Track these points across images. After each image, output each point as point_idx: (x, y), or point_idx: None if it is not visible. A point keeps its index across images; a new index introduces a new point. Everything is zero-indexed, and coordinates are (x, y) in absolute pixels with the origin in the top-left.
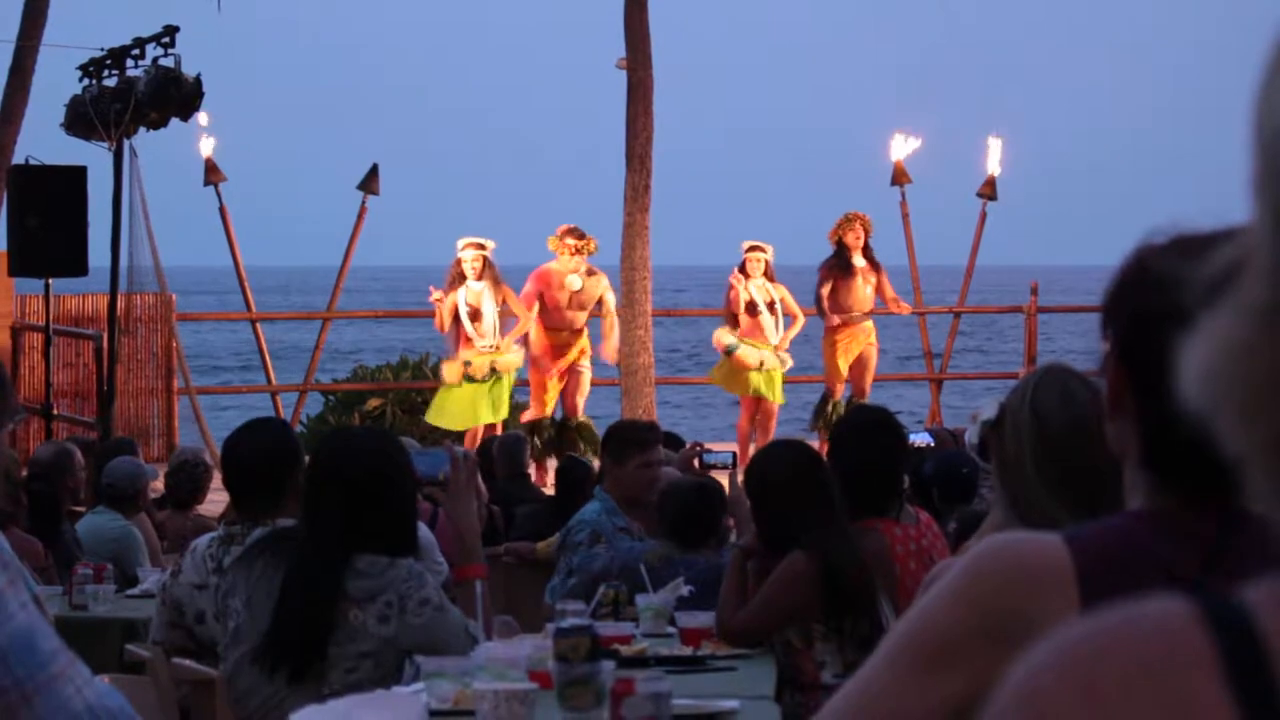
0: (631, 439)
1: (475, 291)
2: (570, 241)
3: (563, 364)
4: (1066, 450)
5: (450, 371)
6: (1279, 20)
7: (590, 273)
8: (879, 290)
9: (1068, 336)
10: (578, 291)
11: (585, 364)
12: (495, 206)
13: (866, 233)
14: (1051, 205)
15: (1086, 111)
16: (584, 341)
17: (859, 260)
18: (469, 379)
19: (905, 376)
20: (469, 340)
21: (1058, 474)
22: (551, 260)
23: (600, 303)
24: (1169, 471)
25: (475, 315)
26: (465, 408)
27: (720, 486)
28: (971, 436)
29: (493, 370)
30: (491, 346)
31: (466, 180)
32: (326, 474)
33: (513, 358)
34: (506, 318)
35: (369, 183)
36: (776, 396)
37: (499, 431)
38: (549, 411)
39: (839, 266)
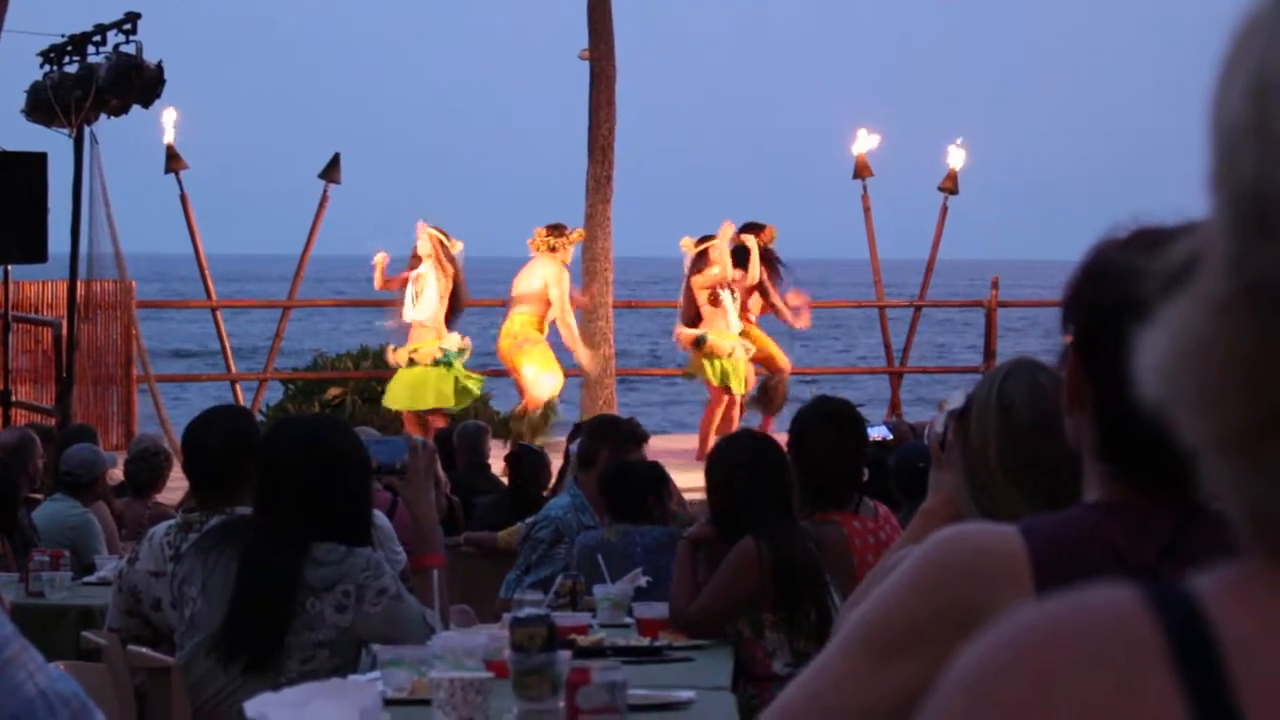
0: (629, 435)
1: (418, 272)
2: (550, 239)
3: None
4: (1031, 443)
5: (399, 356)
6: (1235, 17)
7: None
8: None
9: (1018, 335)
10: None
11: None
12: (456, 196)
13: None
14: (1013, 200)
15: (1049, 107)
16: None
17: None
18: (413, 362)
19: (865, 370)
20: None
21: (1021, 466)
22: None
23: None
24: (1126, 464)
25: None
26: (395, 389)
27: (653, 465)
28: (938, 425)
29: (410, 362)
30: (410, 324)
31: (429, 170)
32: (275, 463)
33: (430, 350)
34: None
35: (331, 171)
36: (740, 386)
37: (430, 421)
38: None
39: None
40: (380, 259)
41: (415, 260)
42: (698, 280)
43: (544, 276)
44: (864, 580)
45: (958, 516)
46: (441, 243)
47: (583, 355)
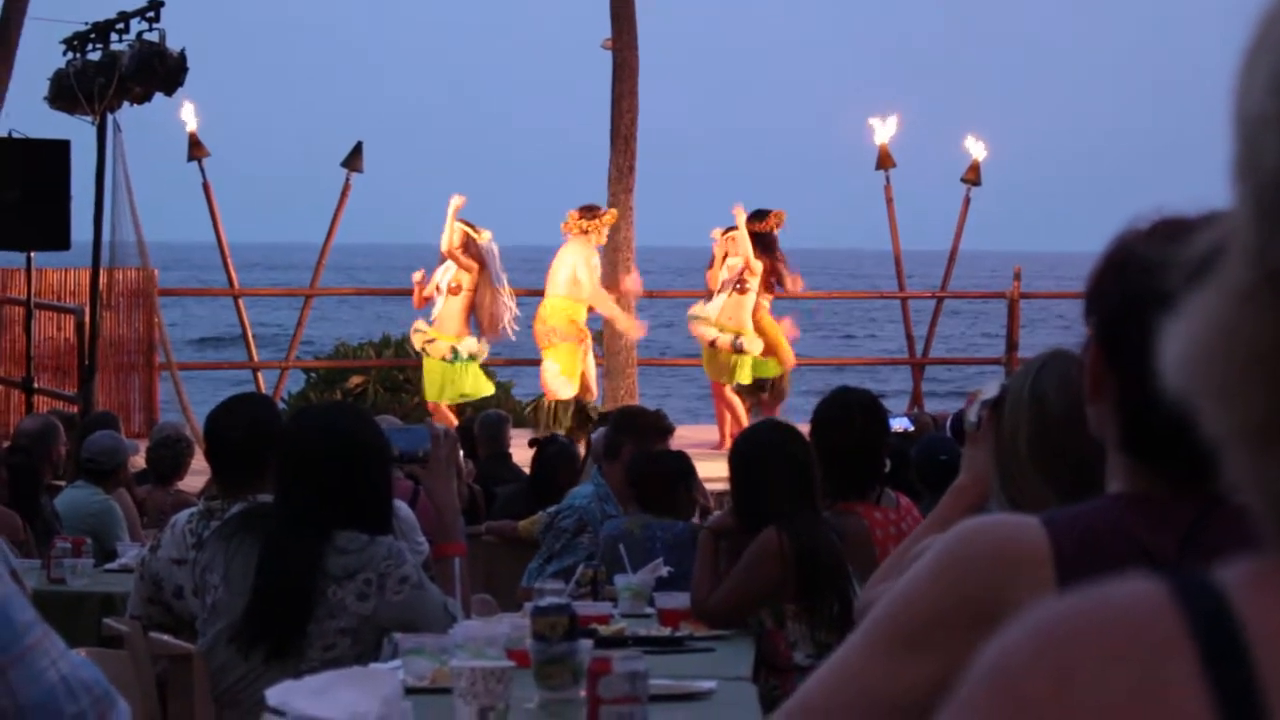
0: (653, 428)
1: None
2: (582, 222)
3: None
4: (1061, 436)
5: (415, 340)
6: (1256, 8)
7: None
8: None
9: (1035, 327)
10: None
11: (588, 344)
12: (479, 186)
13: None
14: (1037, 192)
15: (1073, 98)
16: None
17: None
18: (424, 353)
19: (887, 361)
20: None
21: (1050, 459)
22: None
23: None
24: (1147, 455)
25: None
26: (435, 380)
27: (680, 455)
28: (972, 415)
29: (454, 354)
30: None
31: (451, 159)
32: (295, 452)
33: (439, 346)
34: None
35: (353, 160)
36: (726, 377)
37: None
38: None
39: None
40: (418, 277)
41: (444, 257)
42: (711, 274)
43: (573, 258)
44: (886, 561)
45: (988, 495)
46: (467, 235)
47: (623, 323)
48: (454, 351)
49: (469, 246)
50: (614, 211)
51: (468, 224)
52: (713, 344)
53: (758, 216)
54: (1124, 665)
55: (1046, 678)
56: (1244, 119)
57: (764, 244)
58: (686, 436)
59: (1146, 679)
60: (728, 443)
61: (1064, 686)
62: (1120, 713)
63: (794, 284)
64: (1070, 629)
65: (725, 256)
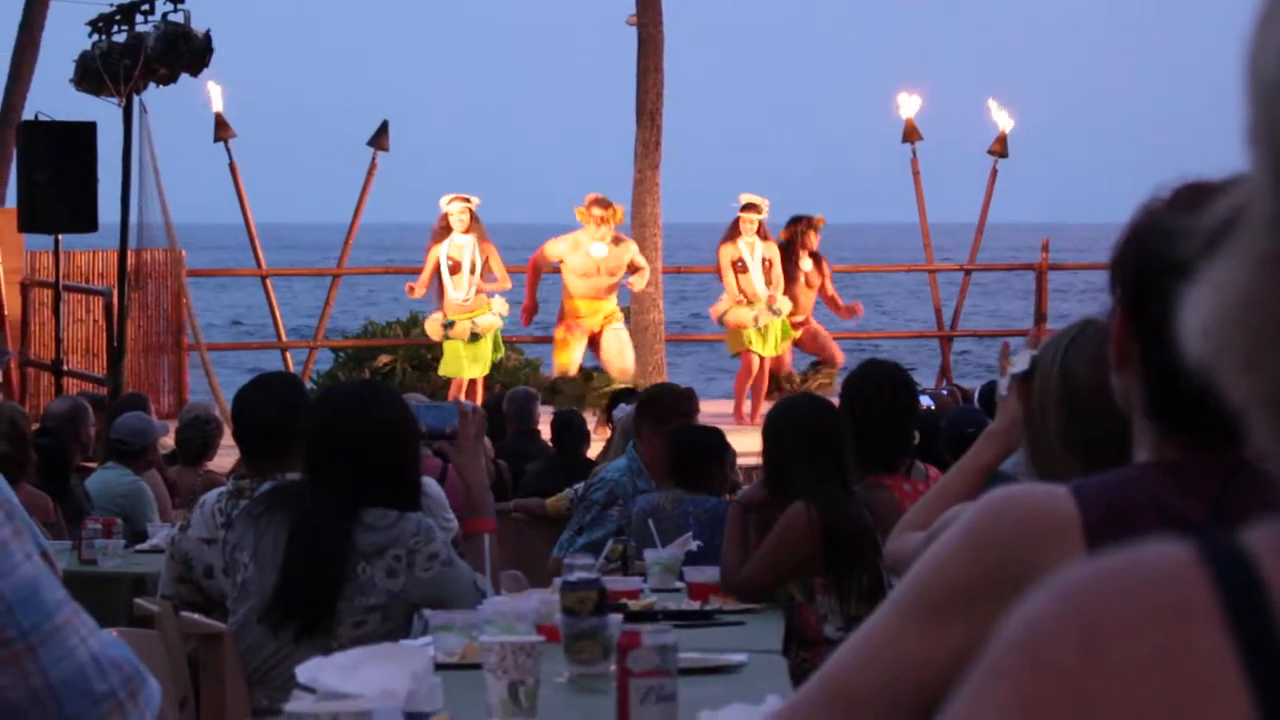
0: (672, 410)
1: (458, 245)
2: (596, 212)
3: (590, 326)
4: (1089, 411)
5: (431, 327)
6: None
7: (617, 240)
8: (820, 290)
9: (1062, 297)
10: (604, 258)
11: (620, 325)
12: (505, 163)
13: (816, 235)
14: (1065, 163)
15: (1100, 67)
16: (611, 307)
17: (805, 264)
18: (448, 339)
19: (915, 334)
20: (446, 294)
21: (1077, 433)
22: (579, 229)
23: (630, 268)
24: (1174, 423)
25: (455, 269)
26: (454, 358)
27: (714, 431)
28: (1003, 389)
29: (474, 335)
30: (465, 299)
31: (477, 137)
32: (322, 430)
33: (490, 319)
34: (488, 274)
35: (379, 139)
36: (771, 349)
37: (480, 386)
38: (572, 369)
39: (785, 269)
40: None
41: (442, 233)
42: (721, 251)
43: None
44: (911, 509)
45: (1018, 442)
46: (470, 211)
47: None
48: (502, 318)
49: (473, 224)
50: (594, 195)
51: (462, 198)
52: (721, 320)
53: (799, 222)
54: (1151, 627)
55: (1073, 641)
56: (1259, 85)
57: (784, 251)
58: (711, 409)
59: (1173, 641)
60: (742, 415)
61: (1090, 649)
62: (1147, 674)
63: (844, 310)
64: (1096, 592)
65: (733, 233)
